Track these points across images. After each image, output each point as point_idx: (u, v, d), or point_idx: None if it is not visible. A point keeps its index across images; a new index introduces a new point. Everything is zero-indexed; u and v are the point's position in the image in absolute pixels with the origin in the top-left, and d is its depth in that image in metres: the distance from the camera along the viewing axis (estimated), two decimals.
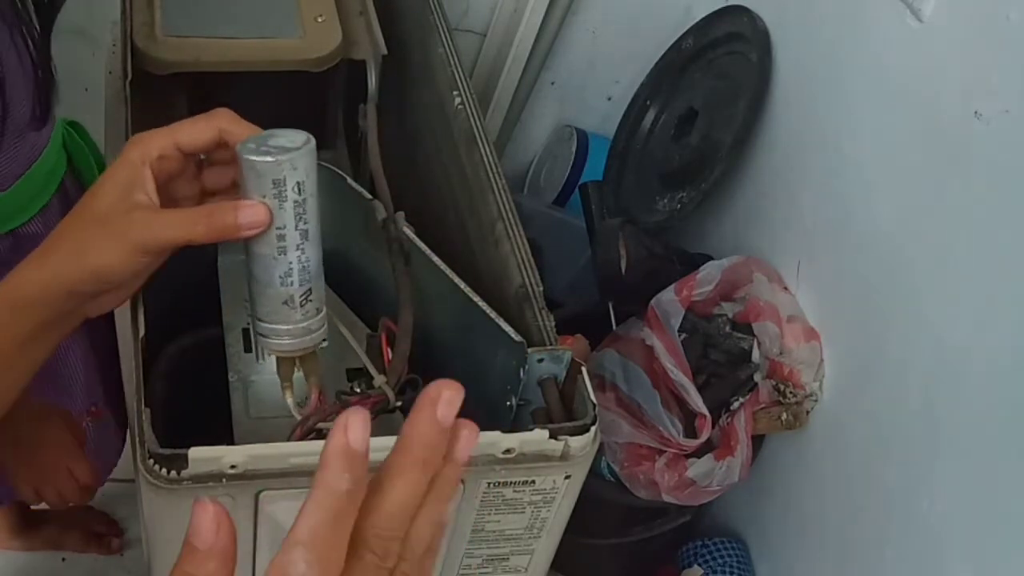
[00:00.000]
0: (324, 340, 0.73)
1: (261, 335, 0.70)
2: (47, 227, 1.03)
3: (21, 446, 1.04)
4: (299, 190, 0.62)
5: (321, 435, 0.78)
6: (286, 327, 0.69)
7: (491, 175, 0.98)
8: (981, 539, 1.01)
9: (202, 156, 0.69)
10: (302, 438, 0.78)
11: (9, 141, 0.92)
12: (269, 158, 0.61)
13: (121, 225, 0.61)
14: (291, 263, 0.65)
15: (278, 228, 0.63)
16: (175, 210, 0.64)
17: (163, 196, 0.64)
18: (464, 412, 0.91)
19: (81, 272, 0.62)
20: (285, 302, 0.67)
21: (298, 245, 0.64)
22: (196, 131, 0.64)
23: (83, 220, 0.63)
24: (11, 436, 1.03)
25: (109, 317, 1.20)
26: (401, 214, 0.96)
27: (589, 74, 1.80)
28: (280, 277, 0.65)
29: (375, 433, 0.82)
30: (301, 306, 0.68)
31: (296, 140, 0.62)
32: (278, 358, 0.74)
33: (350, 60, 1.18)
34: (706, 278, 1.29)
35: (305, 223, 0.64)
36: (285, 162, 0.61)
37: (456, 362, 0.95)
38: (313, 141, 0.63)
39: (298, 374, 0.77)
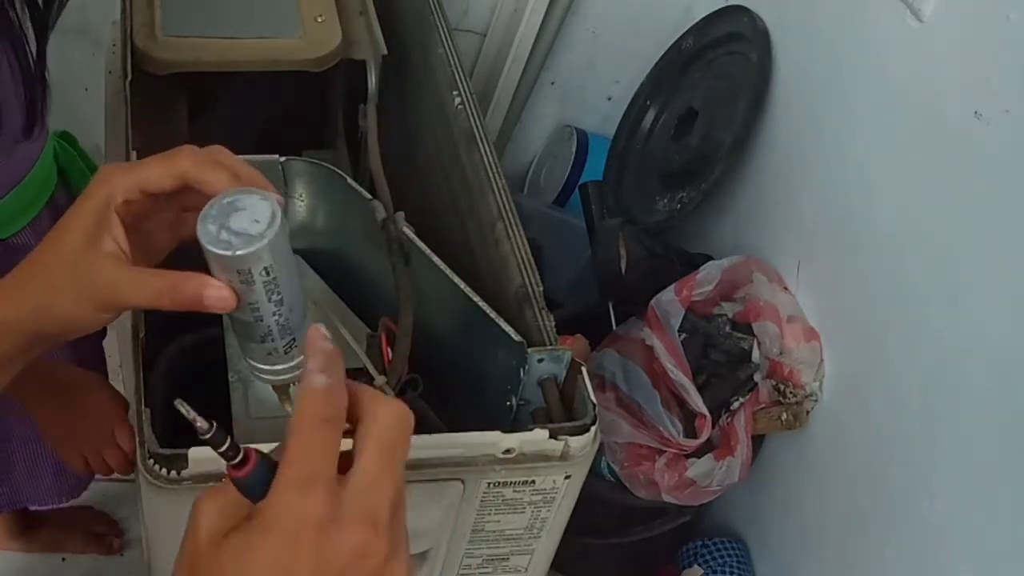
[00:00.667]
0: None
1: (253, 368, 0.69)
2: (38, 238, 1.03)
3: (66, 414, 1.03)
4: (267, 272, 0.59)
5: None
6: (272, 368, 0.68)
7: (491, 175, 0.98)
8: (981, 539, 1.01)
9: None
10: None
11: (2, 150, 0.91)
12: (229, 252, 0.56)
13: (87, 282, 0.59)
14: (269, 327, 0.63)
15: (250, 303, 0.61)
16: (142, 274, 0.61)
17: (134, 233, 0.62)
18: (464, 412, 0.90)
19: (48, 321, 0.61)
20: (269, 353, 0.65)
21: (274, 312, 0.62)
22: (159, 175, 0.60)
23: (50, 266, 0.61)
24: (55, 405, 1.02)
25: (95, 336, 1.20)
26: (401, 214, 0.96)
27: (589, 74, 1.80)
28: (260, 337, 0.64)
29: None
30: (285, 354, 0.66)
31: (260, 220, 0.57)
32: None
33: (350, 60, 1.18)
34: (706, 278, 1.29)
35: (279, 294, 0.61)
36: (249, 256, 0.57)
37: (456, 362, 0.95)
38: (280, 214, 0.57)
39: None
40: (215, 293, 0.59)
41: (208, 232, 0.57)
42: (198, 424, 0.47)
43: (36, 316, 0.61)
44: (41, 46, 0.89)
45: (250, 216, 0.58)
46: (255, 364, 0.67)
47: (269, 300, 0.61)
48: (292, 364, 0.68)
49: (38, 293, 0.61)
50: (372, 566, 0.45)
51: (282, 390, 0.73)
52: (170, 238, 0.66)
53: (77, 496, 1.31)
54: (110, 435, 1.05)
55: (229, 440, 0.47)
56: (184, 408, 0.48)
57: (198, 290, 0.58)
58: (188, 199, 0.63)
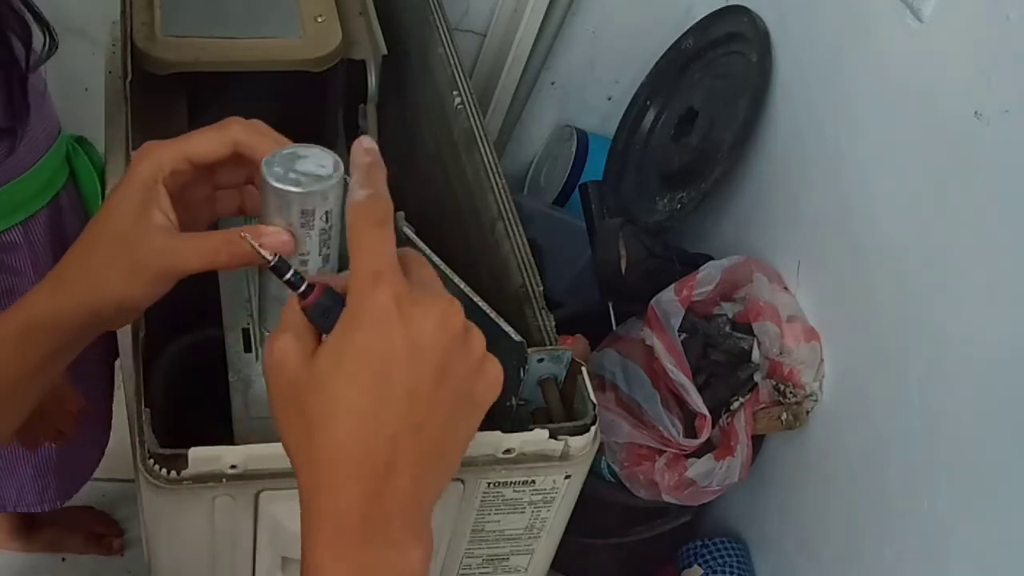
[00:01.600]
0: None
1: (263, 346, 0.69)
2: (27, 238, 1.03)
3: None
4: (327, 218, 0.60)
5: None
6: None
7: (491, 175, 0.98)
8: (981, 539, 1.01)
9: None
10: None
11: None
12: (299, 188, 0.58)
13: (142, 254, 0.59)
14: None
15: (300, 255, 0.61)
16: (195, 237, 0.61)
17: (177, 205, 0.62)
18: None
19: (102, 303, 0.60)
20: None
21: (319, 270, 0.62)
22: (209, 145, 0.61)
23: (99, 245, 0.60)
24: None
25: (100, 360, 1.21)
26: (401, 214, 0.96)
27: (589, 74, 1.80)
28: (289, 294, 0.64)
29: None
30: None
31: (326, 165, 0.59)
32: None
33: (350, 60, 1.18)
34: (706, 278, 1.29)
35: (328, 248, 0.62)
36: (317, 193, 0.58)
37: None
38: (342, 166, 0.59)
39: None
40: (273, 239, 0.58)
41: (275, 172, 0.58)
42: (262, 253, 0.52)
43: (88, 300, 0.60)
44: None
45: (315, 162, 0.59)
46: None
47: (319, 254, 0.61)
48: None
49: (89, 275, 0.60)
50: (457, 329, 0.50)
51: None
52: (207, 215, 0.66)
53: (61, 504, 1.31)
54: (54, 407, 1.06)
55: (293, 270, 0.51)
56: (247, 239, 0.53)
57: (255, 240, 0.58)
58: (224, 176, 0.64)
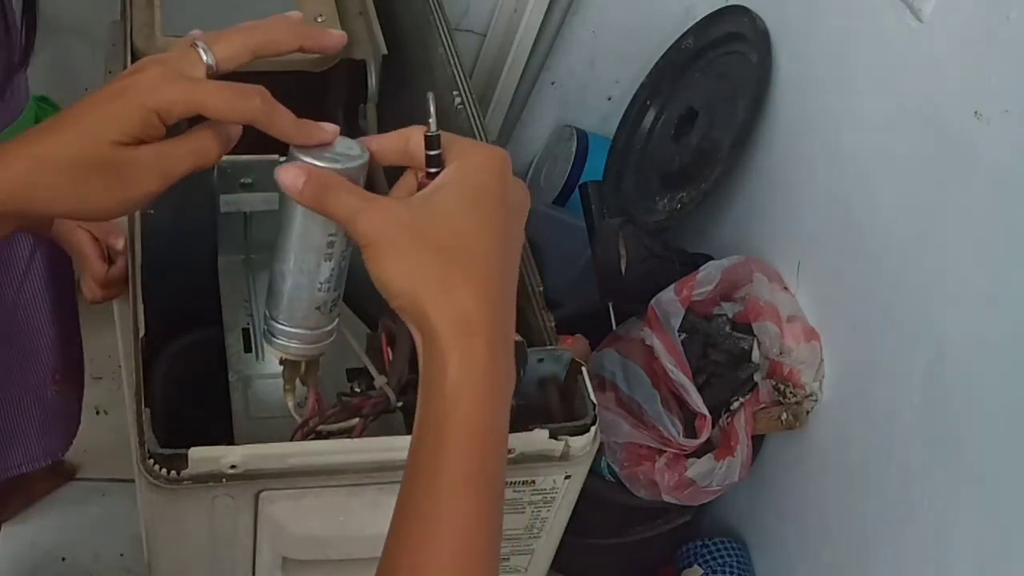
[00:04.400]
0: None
1: (274, 336, 0.69)
2: None
3: None
4: None
5: (321, 437, 0.78)
6: (307, 332, 0.68)
7: None
8: (981, 538, 1.01)
9: None
10: (303, 441, 0.77)
11: None
12: (338, 165, 0.59)
13: (126, 181, 0.56)
14: (333, 269, 0.64)
15: (331, 235, 0.62)
16: (175, 143, 0.58)
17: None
18: None
19: (57, 210, 0.57)
20: (318, 307, 0.66)
21: (343, 252, 0.64)
22: (225, 110, 0.58)
23: (79, 160, 0.55)
24: None
25: (70, 286, 1.20)
26: None
27: (589, 74, 1.80)
28: (321, 283, 0.65)
29: (375, 433, 0.82)
30: (329, 312, 0.67)
31: (353, 148, 0.61)
32: (285, 361, 0.73)
33: (350, 60, 1.18)
34: (706, 278, 1.29)
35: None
36: (354, 170, 0.60)
37: None
38: (368, 151, 0.62)
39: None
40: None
41: (308, 152, 0.59)
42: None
43: (45, 205, 0.56)
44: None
45: (342, 147, 0.61)
46: (286, 327, 0.67)
47: (345, 234, 0.62)
48: (325, 330, 0.68)
49: (62, 188, 0.55)
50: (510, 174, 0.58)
51: (291, 372, 0.73)
52: None
53: (63, 455, 1.30)
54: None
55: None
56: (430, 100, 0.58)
57: (223, 129, 0.60)
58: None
